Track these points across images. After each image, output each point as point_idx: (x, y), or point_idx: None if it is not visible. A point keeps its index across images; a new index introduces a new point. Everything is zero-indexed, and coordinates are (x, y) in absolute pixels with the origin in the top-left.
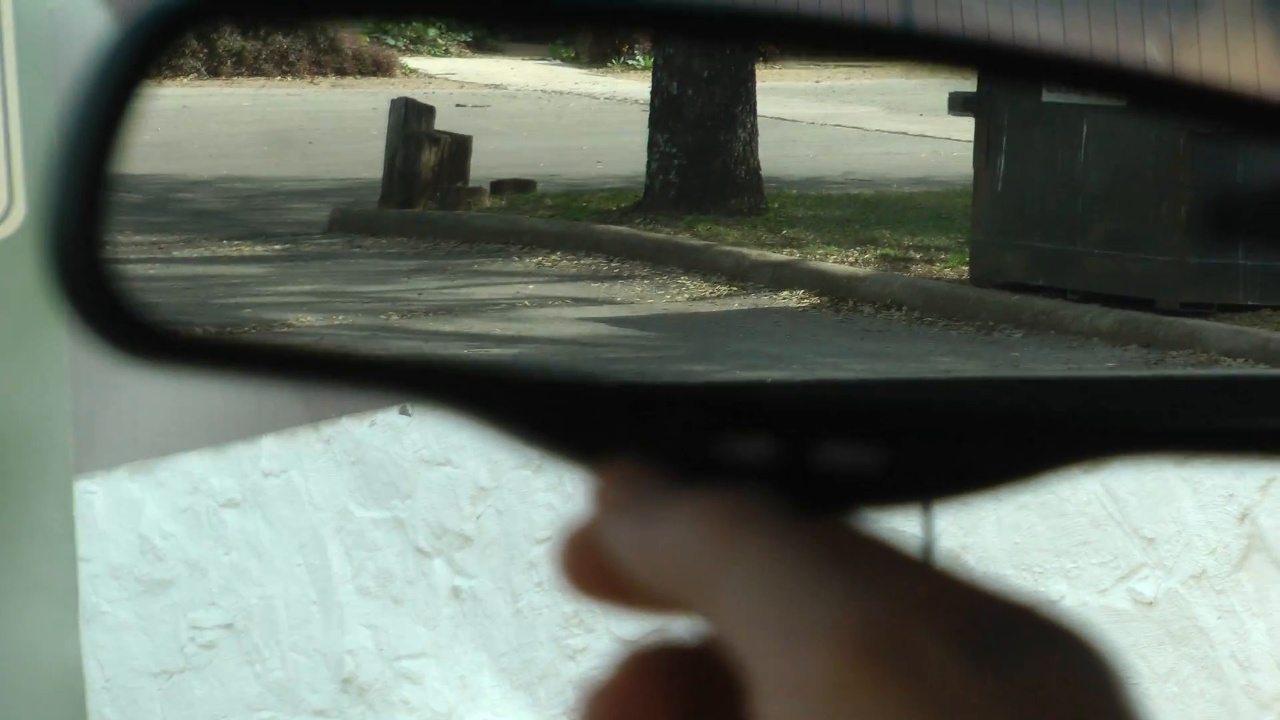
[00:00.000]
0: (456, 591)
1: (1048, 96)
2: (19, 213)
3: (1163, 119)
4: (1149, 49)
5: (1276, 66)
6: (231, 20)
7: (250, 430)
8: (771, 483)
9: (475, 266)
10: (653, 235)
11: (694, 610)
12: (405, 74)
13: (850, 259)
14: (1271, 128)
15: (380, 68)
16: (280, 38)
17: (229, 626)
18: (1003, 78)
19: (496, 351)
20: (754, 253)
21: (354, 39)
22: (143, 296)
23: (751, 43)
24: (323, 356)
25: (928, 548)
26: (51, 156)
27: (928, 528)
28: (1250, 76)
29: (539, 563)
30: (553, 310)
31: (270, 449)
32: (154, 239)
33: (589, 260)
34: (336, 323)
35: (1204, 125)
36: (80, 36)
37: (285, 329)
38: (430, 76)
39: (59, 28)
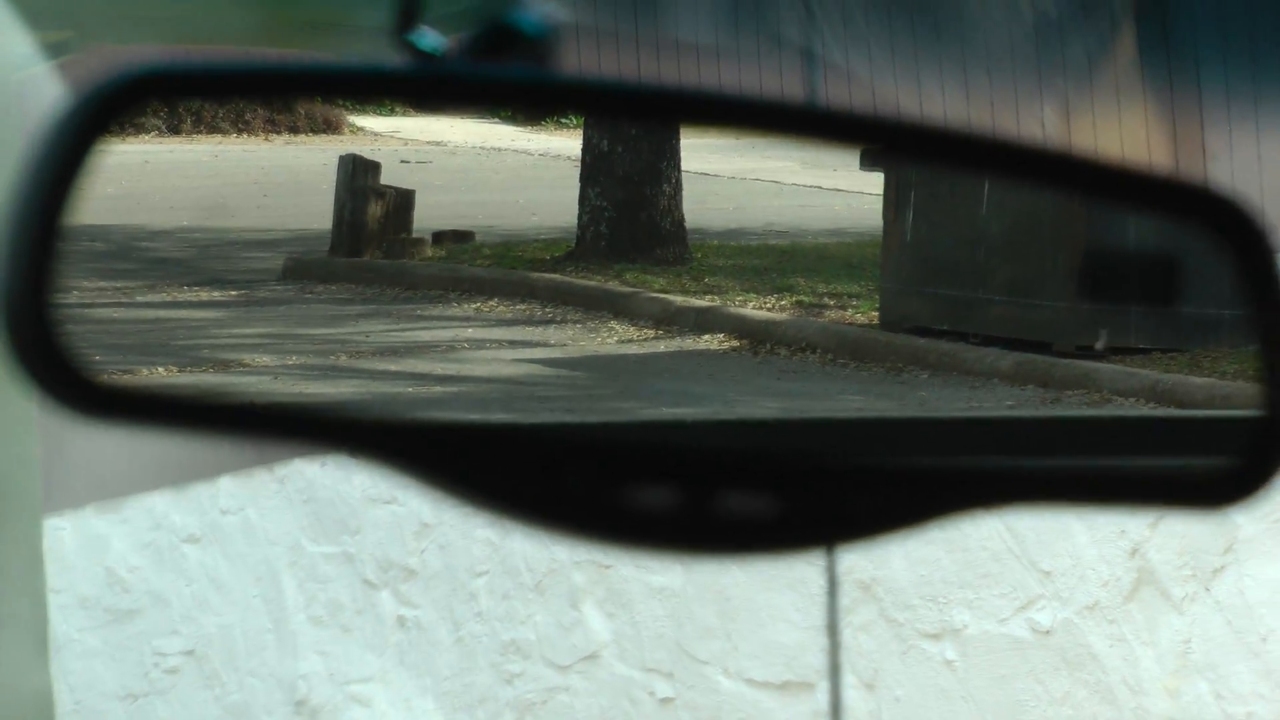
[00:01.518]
0: (402, 620)
1: None
2: None
3: (1046, 190)
4: (1046, 115)
5: (1158, 136)
6: (161, 105)
7: (209, 471)
8: (673, 528)
9: (418, 311)
10: (584, 283)
11: None
12: (353, 132)
13: (768, 305)
14: (1143, 198)
15: (330, 126)
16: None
17: (190, 653)
18: (903, 156)
19: (438, 389)
20: (678, 299)
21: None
22: (87, 355)
23: (666, 121)
24: (251, 411)
25: (832, 583)
26: (1, 226)
27: (831, 566)
28: (1139, 143)
29: (479, 594)
30: (490, 352)
31: (228, 488)
32: (118, 284)
33: (524, 306)
34: (290, 363)
35: (1082, 198)
36: (40, 107)
37: (241, 368)
38: (376, 134)
39: (23, 98)
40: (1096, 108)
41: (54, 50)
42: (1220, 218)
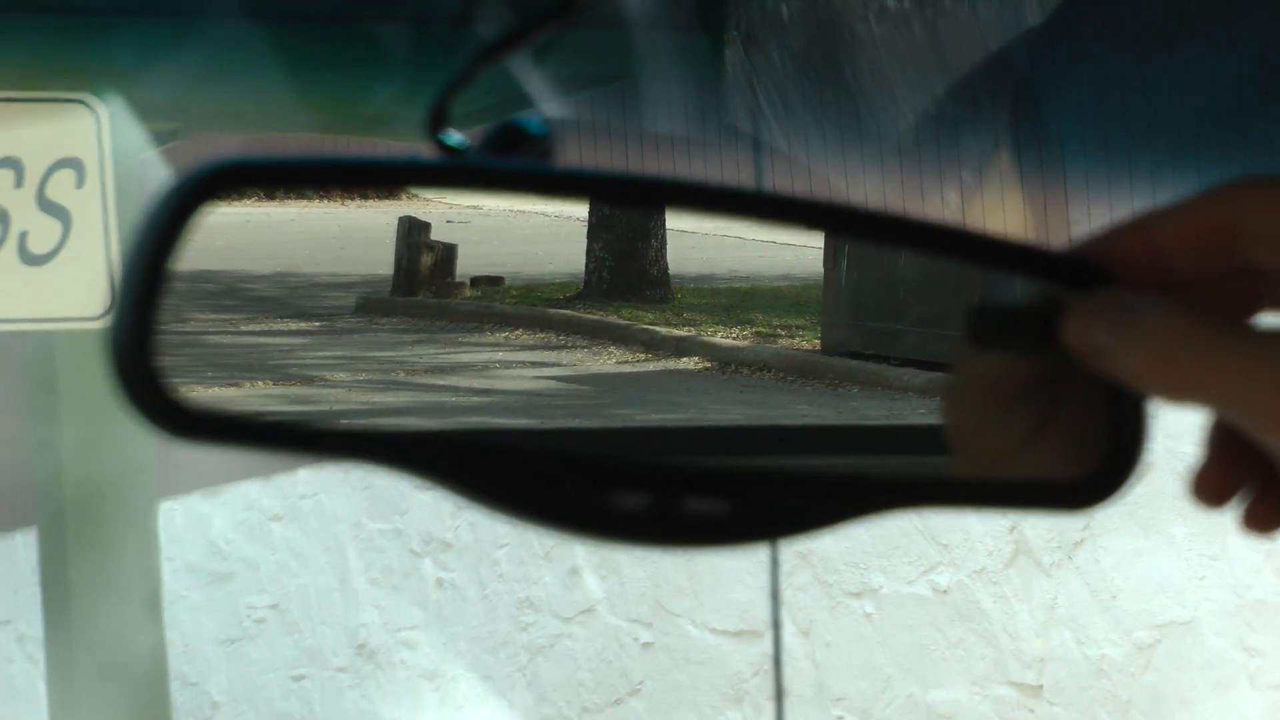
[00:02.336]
0: (440, 582)
1: None
2: None
3: (945, 260)
4: (948, 197)
5: (1027, 215)
6: (240, 190)
7: (290, 465)
8: (647, 527)
9: (459, 339)
10: (589, 317)
11: (1192, 398)
12: (409, 197)
13: (733, 335)
14: (1020, 263)
15: (392, 193)
16: None
17: (274, 607)
18: (840, 237)
19: (474, 399)
20: (663, 330)
21: None
22: (180, 385)
23: (642, 205)
24: (313, 433)
25: (775, 572)
26: (113, 284)
27: (774, 557)
28: (1017, 219)
29: (500, 561)
30: (516, 371)
31: (304, 477)
32: (225, 317)
33: (542, 335)
34: (360, 378)
35: (972, 265)
36: (152, 186)
37: (322, 382)
38: (427, 199)
39: (145, 174)
40: (985, 192)
41: (165, 137)
42: (1078, 274)
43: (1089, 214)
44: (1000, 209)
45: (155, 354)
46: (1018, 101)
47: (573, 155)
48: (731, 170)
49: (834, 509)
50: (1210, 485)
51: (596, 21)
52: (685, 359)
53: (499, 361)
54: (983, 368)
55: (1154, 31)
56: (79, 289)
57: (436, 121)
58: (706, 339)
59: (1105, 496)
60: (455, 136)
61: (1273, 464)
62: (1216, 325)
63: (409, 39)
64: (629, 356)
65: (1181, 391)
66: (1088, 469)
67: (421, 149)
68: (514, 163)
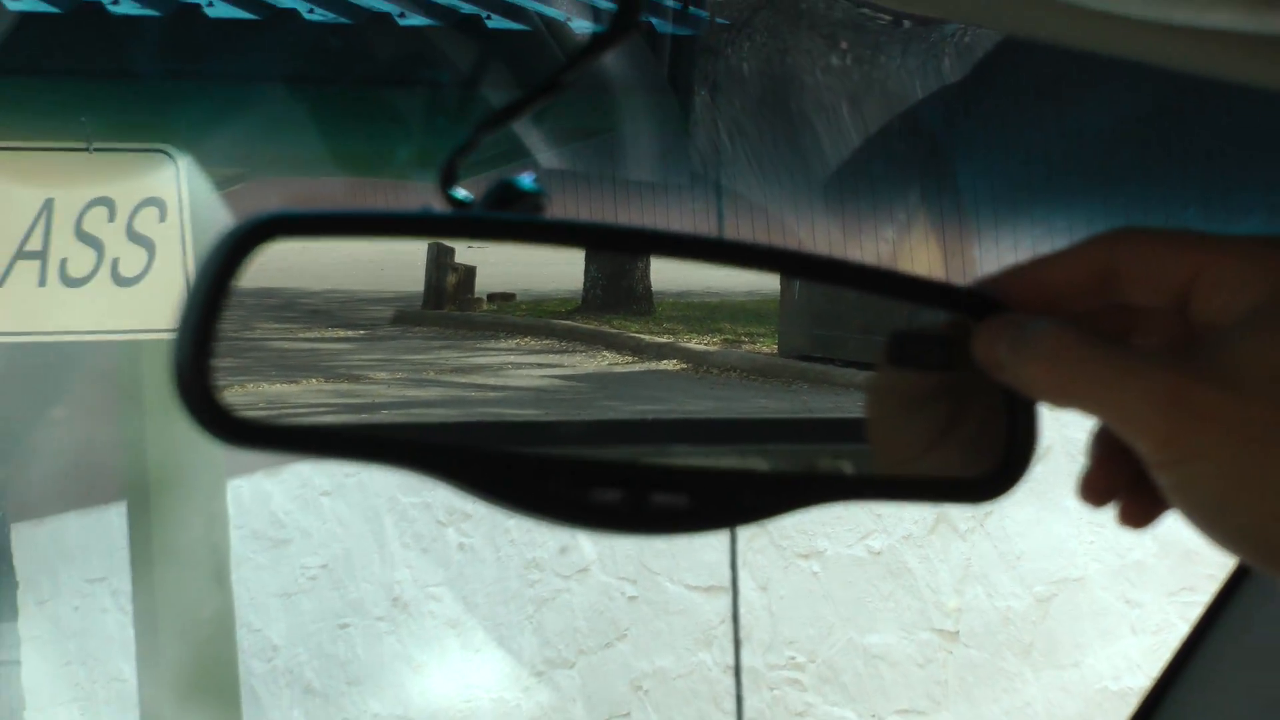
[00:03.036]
0: (461, 546)
1: None
2: None
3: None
4: (888, 237)
5: (950, 253)
6: (283, 238)
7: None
8: (621, 517)
9: (478, 345)
10: (586, 326)
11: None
12: None
13: (705, 341)
14: (931, 299)
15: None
16: None
17: (324, 567)
18: (790, 278)
19: (491, 394)
20: (646, 337)
21: None
22: (231, 399)
23: (618, 250)
24: (339, 440)
25: (734, 539)
26: (175, 312)
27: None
28: (936, 265)
29: (511, 529)
30: (525, 371)
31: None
32: (285, 326)
33: (547, 341)
34: (396, 377)
35: (892, 299)
36: (224, 217)
37: (366, 380)
38: None
39: (215, 212)
40: (911, 234)
41: (230, 181)
42: (981, 306)
43: (997, 255)
44: (924, 248)
45: (210, 373)
46: (934, 159)
47: (559, 201)
48: (697, 211)
49: (775, 503)
50: (1093, 488)
51: (581, 84)
52: (665, 361)
53: (511, 363)
54: (898, 383)
55: (1046, 101)
56: (161, 306)
57: (447, 179)
58: (683, 344)
59: (1004, 490)
60: (461, 192)
61: (1143, 468)
62: (1097, 344)
63: (424, 107)
64: (619, 359)
65: (1067, 398)
66: (989, 467)
67: (434, 201)
68: (511, 215)
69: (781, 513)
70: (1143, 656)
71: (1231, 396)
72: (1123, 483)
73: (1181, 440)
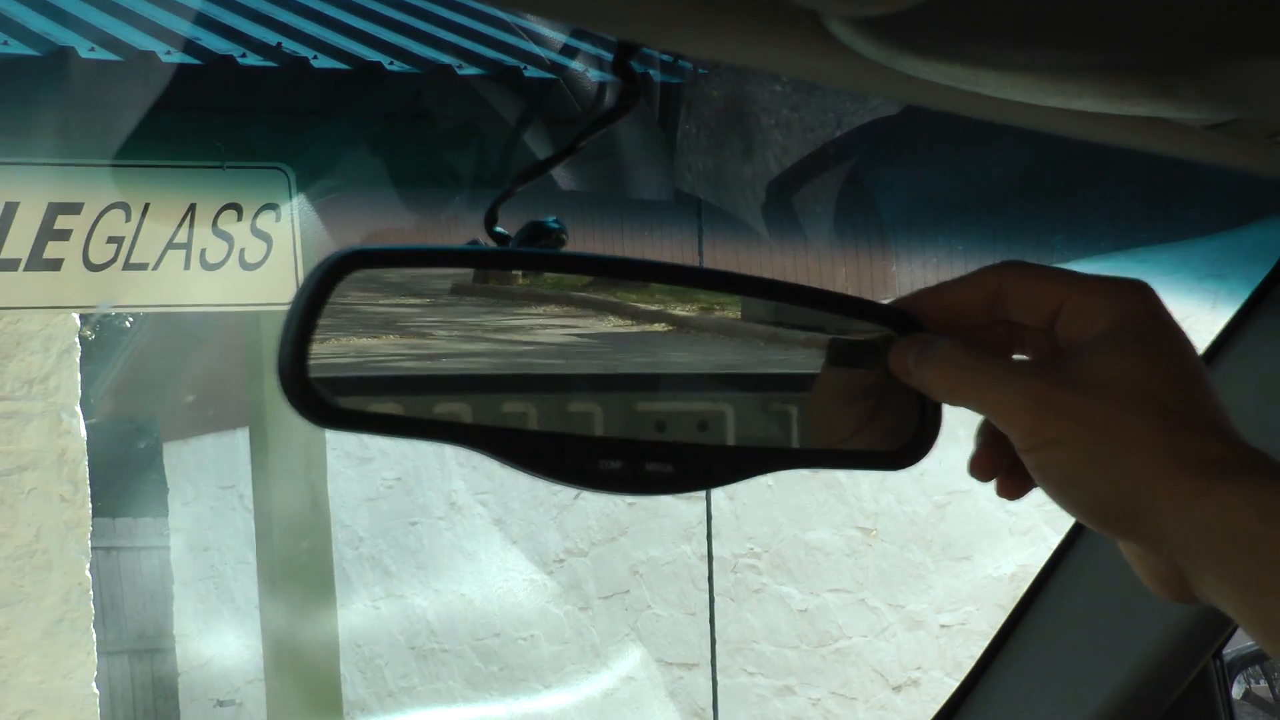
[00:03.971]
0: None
1: None
2: None
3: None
4: (841, 279)
5: (878, 276)
6: (364, 270)
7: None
8: (622, 481)
9: (514, 311)
10: (596, 296)
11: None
12: None
13: (686, 309)
14: (859, 313)
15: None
16: None
17: (398, 479)
18: (761, 298)
19: (523, 348)
20: (643, 305)
21: None
22: (325, 389)
23: (627, 279)
24: (406, 422)
25: (709, 528)
26: (282, 324)
27: (709, 516)
28: (870, 282)
29: (533, 486)
30: (550, 331)
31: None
32: (368, 295)
33: (567, 308)
34: (453, 334)
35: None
36: (323, 222)
37: (430, 336)
38: None
39: (317, 215)
40: (860, 262)
41: (328, 191)
42: (899, 320)
43: (913, 276)
44: (854, 272)
45: (308, 374)
46: (861, 196)
47: (577, 244)
48: (681, 226)
49: (739, 470)
50: (980, 468)
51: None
52: (656, 324)
53: (539, 324)
54: (835, 379)
55: (952, 149)
56: (277, 286)
57: (490, 220)
58: (669, 311)
59: (915, 460)
60: (501, 231)
61: (1015, 453)
62: (982, 356)
63: (474, 139)
64: (621, 322)
65: (958, 398)
66: (903, 442)
67: (480, 235)
68: (540, 250)
69: (744, 478)
70: (1018, 551)
71: (1083, 398)
72: (1001, 464)
73: (1043, 431)
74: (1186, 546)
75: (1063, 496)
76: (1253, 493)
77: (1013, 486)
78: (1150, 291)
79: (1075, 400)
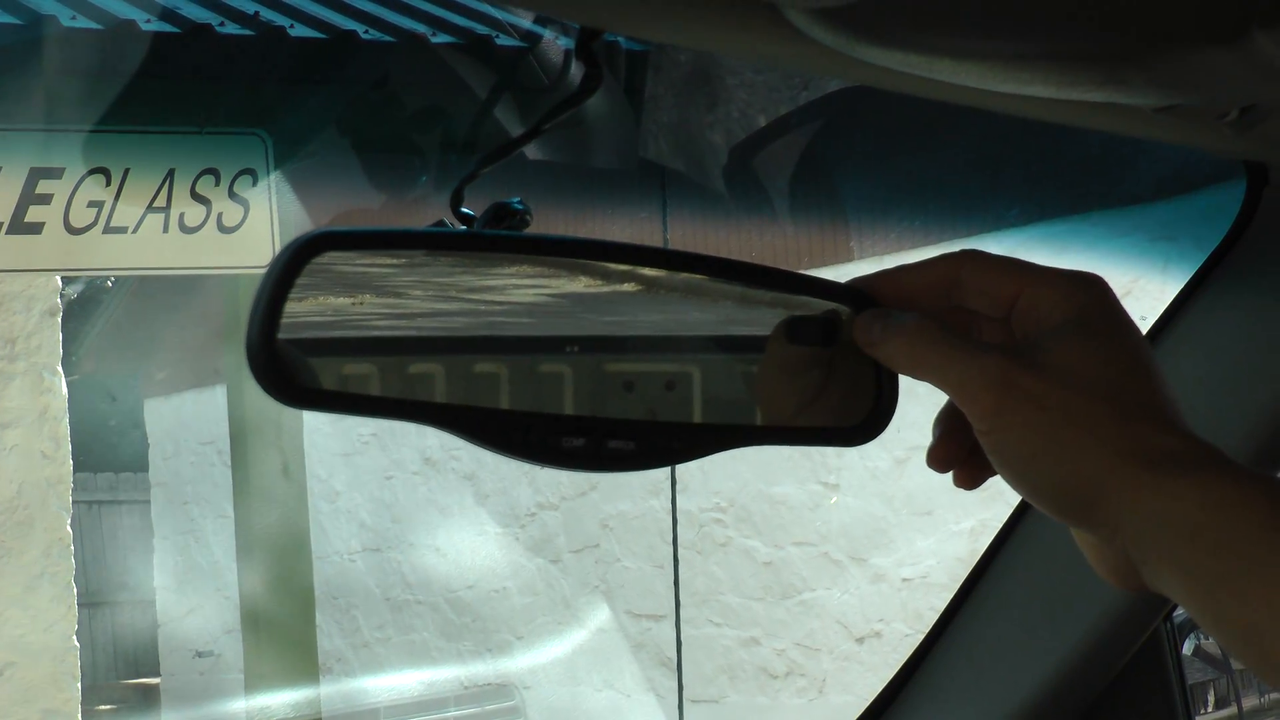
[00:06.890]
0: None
1: None
2: None
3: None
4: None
5: (843, 254)
6: (331, 252)
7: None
8: (584, 458)
9: (488, 271)
10: (569, 261)
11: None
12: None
13: (655, 272)
14: (820, 292)
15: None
16: None
17: (374, 434)
18: (715, 279)
19: (497, 307)
20: (613, 266)
21: None
22: (295, 367)
23: (595, 259)
24: (375, 402)
25: (673, 485)
26: (250, 303)
27: (673, 474)
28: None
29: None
30: (522, 290)
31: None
32: (344, 255)
33: (539, 270)
34: (429, 294)
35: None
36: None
37: (406, 295)
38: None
39: (292, 179)
40: (825, 246)
41: (303, 157)
42: (857, 300)
43: (872, 257)
44: (820, 249)
45: (275, 352)
46: (820, 173)
47: (540, 226)
48: (644, 207)
49: (697, 447)
50: (938, 458)
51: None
52: (627, 284)
53: (512, 284)
54: (786, 355)
55: (908, 133)
56: (254, 249)
57: (455, 200)
58: (639, 273)
59: (871, 436)
60: (467, 211)
61: (973, 444)
62: (947, 333)
63: (443, 106)
64: (592, 282)
65: (921, 371)
66: (859, 418)
67: (445, 215)
68: (505, 233)
69: (701, 455)
70: (978, 507)
71: (1045, 383)
72: (958, 455)
73: (1004, 412)
74: (1138, 537)
75: (1019, 480)
76: (1203, 485)
77: (970, 476)
78: (1104, 285)
79: (1037, 384)
